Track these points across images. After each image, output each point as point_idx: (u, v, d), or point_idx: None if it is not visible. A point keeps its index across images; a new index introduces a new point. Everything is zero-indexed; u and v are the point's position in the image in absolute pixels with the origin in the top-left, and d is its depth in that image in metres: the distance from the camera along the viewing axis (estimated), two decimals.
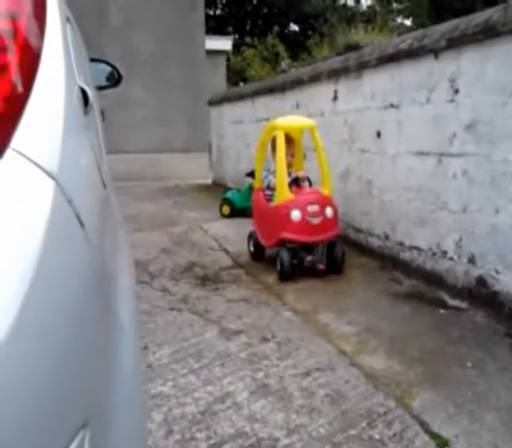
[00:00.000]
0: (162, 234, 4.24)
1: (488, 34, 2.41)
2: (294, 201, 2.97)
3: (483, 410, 1.64)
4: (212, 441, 1.50)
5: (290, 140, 3.28)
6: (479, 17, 2.51)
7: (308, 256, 2.98)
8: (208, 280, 3.02)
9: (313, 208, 2.95)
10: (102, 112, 2.17)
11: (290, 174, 3.21)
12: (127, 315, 0.67)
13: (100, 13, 8.38)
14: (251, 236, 3.43)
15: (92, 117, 0.92)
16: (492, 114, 2.42)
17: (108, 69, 2.45)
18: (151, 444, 1.50)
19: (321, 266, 2.96)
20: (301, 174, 3.28)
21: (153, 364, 1.99)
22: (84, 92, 0.76)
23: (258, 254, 3.38)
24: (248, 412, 1.65)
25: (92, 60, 2.38)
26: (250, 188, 5.05)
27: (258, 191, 3.36)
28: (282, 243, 2.95)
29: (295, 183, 3.19)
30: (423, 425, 1.56)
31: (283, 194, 3.00)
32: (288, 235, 2.91)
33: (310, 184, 3.32)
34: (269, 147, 3.43)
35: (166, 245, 3.84)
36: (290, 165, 3.25)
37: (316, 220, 2.93)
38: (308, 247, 2.99)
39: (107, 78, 2.45)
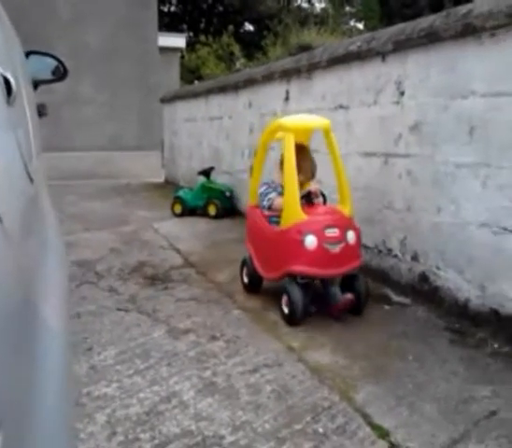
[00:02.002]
0: (110, 234, 4.14)
1: (431, 38, 2.50)
2: (308, 223, 2.28)
3: (422, 401, 1.69)
4: (156, 442, 1.48)
5: (301, 148, 2.52)
6: (424, 22, 2.60)
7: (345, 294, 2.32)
8: (158, 280, 2.98)
9: (332, 233, 2.28)
10: (42, 106, 2.09)
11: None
12: (56, 316, 0.65)
13: (48, 5, 8.10)
14: (246, 264, 2.74)
15: (19, 109, 0.88)
16: (435, 116, 2.51)
17: (54, 63, 2.37)
18: (93, 447, 1.46)
19: (350, 296, 2.29)
20: (314, 187, 2.51)
21: (97, 365, 1.94)
22: (7, 82, 0.72)
23: (254, 286, 2.72)
24: (194, 410, 1.64)
25: (37, 53, 2.29)
26: (202, 186, 5.04)
27: (254, 209, 2.69)
28: (291, 276, 2.33)
29: (306, 199, 2.44)
30: (365, 417, 1.60)
31: (294, 215, 2.31)
32: (300, 268, 2.27)
33: (325, 200, 2.61)
34: (268, 153, 2.82)
35: (115, 245, 3.76)
36: (302, 183, 2.45)
37: (336, 248, 2.27)
38: (324, 283, 2.41)
39: (53, 72, 2.37)
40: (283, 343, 2.12)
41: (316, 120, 2.61)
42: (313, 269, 2.26)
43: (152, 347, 2.09)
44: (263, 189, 2.62)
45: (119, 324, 2.33)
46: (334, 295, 2.35)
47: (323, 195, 2.58)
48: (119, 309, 2.51)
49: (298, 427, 1.55)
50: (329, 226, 2.28)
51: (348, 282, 2.39)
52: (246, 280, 2.75)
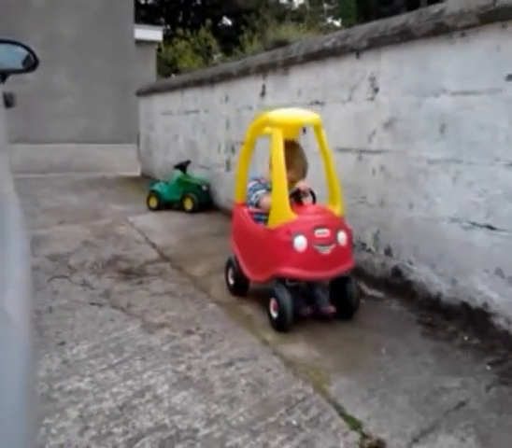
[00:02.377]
0: (85, 227, 4.09)
1: (404, 36, 2.53)
2: (298, 223, 2.16)
3: (394, 392, 1.73)
4: (129, 436, 1.48)
5: (291, 145, 2.41)
6: (397, 20, 2.63)
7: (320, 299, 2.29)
8: (132, 274, 2.95)
9: (322, 233, 2.17)
10: (9, 96, 2.03)
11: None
12: (17, 308, 0.64)
13: None
14: (231, 265, 2.62)
15: None
16: (408, 113, 2.55)
17: (25, 53, 2.31)
18: (65, 442, 1.45)
19: (332, 309, 2.24)
20: (303, 185, 2.39)
21: (70, 360, 1.92)
22: None
23: (240, 289, 2.59)
24: (168, 404, 1.64)
25: (6, 42, 2.23)
26: (179, 180, 5.01)
27: (241, 207, 2.58)
28: (279, 279, 2.22)
29: (295, 198, 2.32)
30: (338, 409, 1.62)
31: (283, 214, 2.19)
32: (289, 270, 2.15)
33: (314, 199, 2.46)
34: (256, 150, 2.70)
35: (89, 239, 3.71)
36: (292, 181, 2.37)
37: (326, 250, 2.16)
38: (310, 284, 2.34)
39: (24, 62, 2.31)
40: (258, 337, 2.13)
41: (305, 115, 2.47)
42: (303, 271, 2.14)
43: (126, 342, 2.08)
44: (251, 185, 2.51)
45: (92, 318, 2.30)
46: (319, 298, 2.28)
47: (313, 194, 2.45)
48: (92, 303, 2.49)
49: (272, 419, 1.57)
50: (319, 226, 2.17)
51: (338, 284, 2.28)
52: (231, 282, 2.62)
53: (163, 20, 21.18)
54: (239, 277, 2.54)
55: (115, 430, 1.51)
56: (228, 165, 4.76)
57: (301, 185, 2.38)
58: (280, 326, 2.17)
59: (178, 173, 5.07)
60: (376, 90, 2.79)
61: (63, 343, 2.05)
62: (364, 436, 1.49)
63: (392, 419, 1.58)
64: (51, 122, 8.30)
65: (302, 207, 2.30)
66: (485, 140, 2.11)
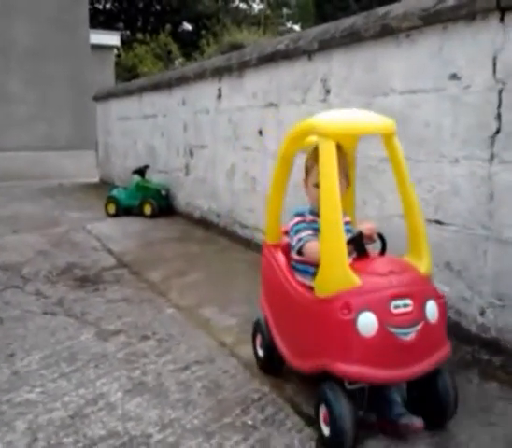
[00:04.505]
0: (40, 236, 3.97)
1: (353, 38, 2.58)
2: (363, 291, 1.40)
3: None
4: (80, 445, 1.44)
5: (341, 157, 1.61)
6: (346, 22, 2.68)
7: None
8: (88, 281, 2.88)
9: (403, 308, 1.41)
10: None
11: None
12: None
13: None
14: (259, 329, 1.87)
15: None
16: None
17: None
18: None
19: (417, 423, 1.40)
20: (368, 227, 1.62)
21: (20, 371, 1.85)
22: None
23: (272, 364, 1.82)
24: (121, 411, 1.60)
25: None
26: (137, 185, 4.94)
27: (273, 250, 1.79)
28: (333, 378, 1.43)
29: (356, 245, 1.55)
30: (294, 406, 1.62)
31: (337, 274, 1.42)
32: (349, 369, 1.38)
33: (384, 247, 1.65)
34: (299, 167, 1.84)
35: (44, 247, 3.61)
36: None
37: (409, 335, 1.39)
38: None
39: None
40: (216, 340, 2.11)
41: (370, 120, 1.59)
42: (371, 370, 1.37)
43: (79, 350, 2.02)
44: (293, 223, 1.71)
45: (44, 328, 2.23)
46: (394, 404, 1.48)
47: (382, 238, 1.65)
48: (45, 313, 2.41)
49: (228, 420, 1.55)
50: (397, 296, 1.40)
51: (425, 380, 1.46)
52: (260, 353, 1.86)
53: (122, 25, 20.95)
54: (271, 350, 1.77)
55: (65, 440, 1.46)
56: (187, 169, 4.72)
57: (365, 226, 1.62)
58: (334, 443, 1.40)
59: (137, 178, 5.01)
60: (328, 91, 2.83)
61: (12, 355, 1.98)
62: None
63: None
64: (6, 130, 8.08)
65: (367, 262, 1.52)
66: (431, 137, 2.16)
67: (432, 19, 2.11)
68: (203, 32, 16.72)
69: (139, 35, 17.07)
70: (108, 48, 12.11)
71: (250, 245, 3.62)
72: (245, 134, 3.71)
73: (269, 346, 1.79)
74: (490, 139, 1.91)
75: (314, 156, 1.62)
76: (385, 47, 2.41)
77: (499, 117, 1.88)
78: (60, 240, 3.85)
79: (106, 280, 2.91)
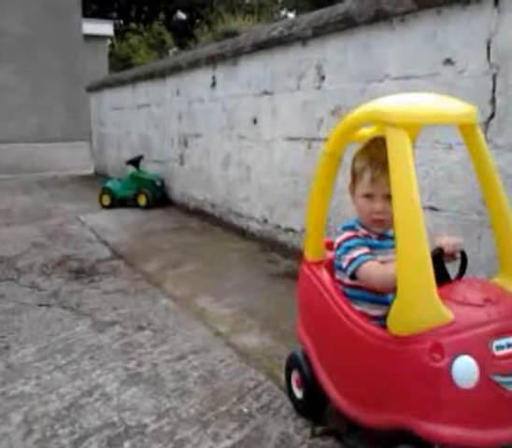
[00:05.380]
0: (34, 228, 3.95)
1: (348, 23, 2.54)
2: (457, 330, 1.07)
3: None
4: (76, 436, 1.43)
5: (382, 144, 1.25)
6: (340, 7, 2.63)
7: None
8: (83, 273, 2.87)
9: (507, 349, 1.08)
10: None
11: (383, 236, 1.37)
12: None
13: None
14: (297, 366, 1.54)
15: None
16: (354, 100, 2.55)
17: None
18: (7, 447, 1.39)
19: None
20: (449, 241, 1.29)
21: (15, 364, 1.84)
22: None
23: (313, 405, 1.49)
24: (117, 402, 1.60)
25: None
26: (132, 176, 4.90)
27: (315, 268, 1.48)
28: (414, 438, 1.10)
29: (435, 265, 1.12)
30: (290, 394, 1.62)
31: (425, 304, 1.09)
32: (444, 431, 1.05)
33: (464, 265, 1.33)
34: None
35: (38, 239, 3.59)
36: (387, 220, 1.32)
37: None
38: None
39: None
40: (211, 329, 2.11)
41: (454, 108, 1.22)
42: (469, 431, 1.05)
43: (75, 342, 2.01)
44: (343, 239, 1.35)
45: (39, 320, 2.22)
46: None
47: (464, 255, 1.32)
48: (40, 305, 2.40)
49: (223, 408, 1.55)
50: (500, 333, 1.08)
51: None
52: (299, 395, 1.53)
53: (115, 14, 20.67)
54: (313, 391, 1.46)
55: (60, 432, 1.45)
56: (182, 159, 4.69)
57: (445, 240, 1.28)
58: None
59: (132, 169, 4.97)
60: (323, 77, 2.79)
61: (7, 348, 1.97)
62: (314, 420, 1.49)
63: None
64: (0, 121, 8.00)
65: (452, 288, 1.19)
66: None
67: (426, 2, 2.07)
68: (197, 21, 16.50)
69: (133, 25, 16.86)
70: (102, 37, 11.97)
71: (245, 234, 3.61)
72: (239, 123, 3.68)
73: (311, 386, 1.45)
74: (484, 124, 1.88)
75: (367, 155, 1.33)
76: (379, 32, 2.38)
77: (493, 101, 1.86)
78: (54, 232, 3.83)
79: (102, 271, 2.90)
